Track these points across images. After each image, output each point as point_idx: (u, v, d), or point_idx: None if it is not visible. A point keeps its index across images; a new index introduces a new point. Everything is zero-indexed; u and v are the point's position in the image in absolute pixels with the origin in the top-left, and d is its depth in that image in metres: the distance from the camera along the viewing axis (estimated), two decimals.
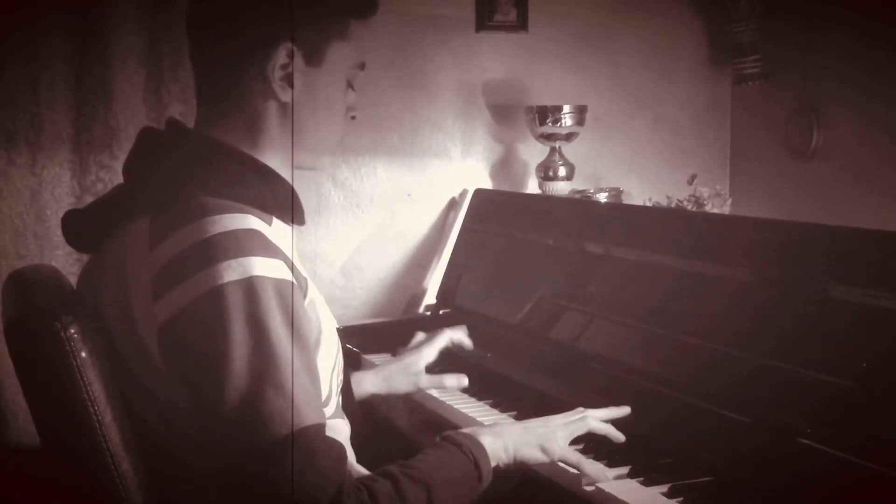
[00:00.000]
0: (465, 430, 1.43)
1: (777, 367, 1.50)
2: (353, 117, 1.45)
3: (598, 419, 1.52)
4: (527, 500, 1.59)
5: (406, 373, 1.86)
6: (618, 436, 1.52)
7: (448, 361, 1.95)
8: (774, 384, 1.49)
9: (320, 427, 1.21)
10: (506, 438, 1.42)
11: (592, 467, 1.47)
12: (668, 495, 1.39)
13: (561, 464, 1.48)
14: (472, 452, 1.36)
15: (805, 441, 1.38)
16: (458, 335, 1.96)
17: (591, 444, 1.54)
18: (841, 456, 1.33)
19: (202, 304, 1.18)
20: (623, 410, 1.57)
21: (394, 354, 2.07)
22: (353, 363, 2.10)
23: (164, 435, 1.25)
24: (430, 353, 1.91)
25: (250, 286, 1.18)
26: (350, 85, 1.43)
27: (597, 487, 1.43)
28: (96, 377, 1.21)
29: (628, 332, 1.82)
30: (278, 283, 1.21)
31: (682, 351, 1.69)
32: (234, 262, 1.19)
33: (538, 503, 1.58)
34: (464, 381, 1.87)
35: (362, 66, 1.43)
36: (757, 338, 1.56)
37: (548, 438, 1.45)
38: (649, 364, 1.73)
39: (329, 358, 1.36)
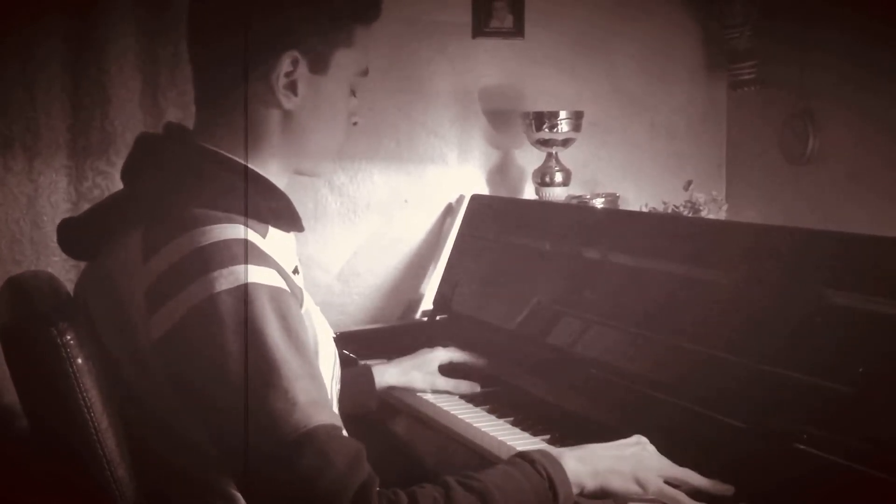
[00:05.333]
0: (549, 450, 1.36)
1: (773, 372, 1.50)
2: (354, 123, 1.45)
3: (702, 478, 1.40)
4: None
5: (423, 370, 1.92)
6: (724, 490, 1.39)
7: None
8: (771, 389, 1.49)
9: (332, 427, 1.18)
10: (596, 464, 1.34)
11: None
12: None
13: None
14: (547, 470, 1.28)
15: (801, 446, 1.38)
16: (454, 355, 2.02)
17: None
18: (837, 461, 1.33)
19: (197, 315, 1.18)
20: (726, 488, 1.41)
21: (390, 361, 2.07)
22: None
23: (159, 441, 1.25)
24: (444, 356, 1.97)
25: (243, 293, 1.18)
26: (352, 91, 1.43)
27: None
28: (92, 383, 1.21)
29: (625, 338, 1.82)
30: (272, 290, 1.21)
31: (679, 356, 1.69)
32: (225, 271, 1.18)
33: None
34: (476, 388, 1.91)
35: (365, 73, 1.43)
36: (753, 343, 1.56)
37: (643, 467, 1.37)
38: (646, 369, 1.73)
39: (327, 367, 1.36)
